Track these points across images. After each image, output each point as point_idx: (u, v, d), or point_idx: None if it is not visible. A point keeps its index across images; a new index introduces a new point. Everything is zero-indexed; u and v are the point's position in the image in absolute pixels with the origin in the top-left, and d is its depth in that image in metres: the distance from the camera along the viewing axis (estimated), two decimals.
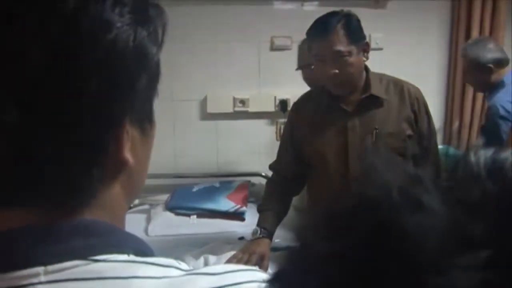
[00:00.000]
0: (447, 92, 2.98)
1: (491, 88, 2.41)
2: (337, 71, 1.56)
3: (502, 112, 2.28)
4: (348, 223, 0.25)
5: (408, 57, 2.82)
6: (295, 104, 1.91)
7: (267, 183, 1.99)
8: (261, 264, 1.65)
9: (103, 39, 0.38)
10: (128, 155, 0.42)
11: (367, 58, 1.63)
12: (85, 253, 0.40)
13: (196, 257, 1.77)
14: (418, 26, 2.83)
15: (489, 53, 2.38)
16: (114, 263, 0.40)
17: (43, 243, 0.39)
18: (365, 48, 1.62)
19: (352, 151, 1.64)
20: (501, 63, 2.39)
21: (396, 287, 0.21)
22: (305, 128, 1.75)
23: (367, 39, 1.67)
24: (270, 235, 1.74)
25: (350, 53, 1.56)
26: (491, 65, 2.36)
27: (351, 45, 1.56)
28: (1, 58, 0.36)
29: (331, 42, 1.55)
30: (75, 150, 0.39)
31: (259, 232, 1.74)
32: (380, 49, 2.70)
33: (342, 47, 1.55)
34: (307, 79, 2.01)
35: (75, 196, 0.41)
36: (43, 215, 0.40)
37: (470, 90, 2.83)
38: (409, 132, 1.66)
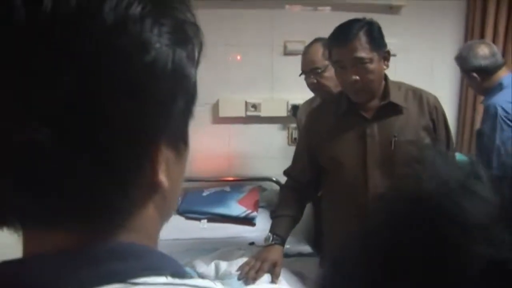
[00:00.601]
0: (460, 98, 2.97)
1: (488, 92, 2.26)
2: (358, 77, 1.55)
3: (501, 112, 2.10)
4: (408, 210, 0.30)
5: (422, 63, 2.81)
6: (311, 110, 1.90)
7: (281, 189, 1.98)
8: (273, 271, 1.64)
9: (141, 60, 0.37)
10: (162, 176, 0.41)
11: (387, 66, 1.62)
12: (124, 276, 0.39)
13: (207, 263, 1.76)
14: (432, 32, 2.82)
15: (473, 60, 2.22)
16: (153, 286, 0.40)
17: (81, 267, 0.38)
18: (386, 56, 1.61)
19: (371, 158, 1.63)
20: (486, 71, 2.21)
21: (451, 256, 0.26)
22: (321, 134, 1.74)
23: None
24: (282, 242, 1.73)
25: (371, 60, 1.55)
26: (473, 74, 2.23)
27: (373, 52, 1.55)
28: (33, 77, 0.35)
29: (353, 48, 1.54)
30: (110, 172, 0.38)
31: (271, 238, 1.73)
32: (394, 55, 2.67)
33: (364, 53, 1.54)
34: (311, 84, 2.00)
35: (110, 218, 0.40)
36: (79, 238, 0.39)
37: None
38: (427, 140, 1.65)
